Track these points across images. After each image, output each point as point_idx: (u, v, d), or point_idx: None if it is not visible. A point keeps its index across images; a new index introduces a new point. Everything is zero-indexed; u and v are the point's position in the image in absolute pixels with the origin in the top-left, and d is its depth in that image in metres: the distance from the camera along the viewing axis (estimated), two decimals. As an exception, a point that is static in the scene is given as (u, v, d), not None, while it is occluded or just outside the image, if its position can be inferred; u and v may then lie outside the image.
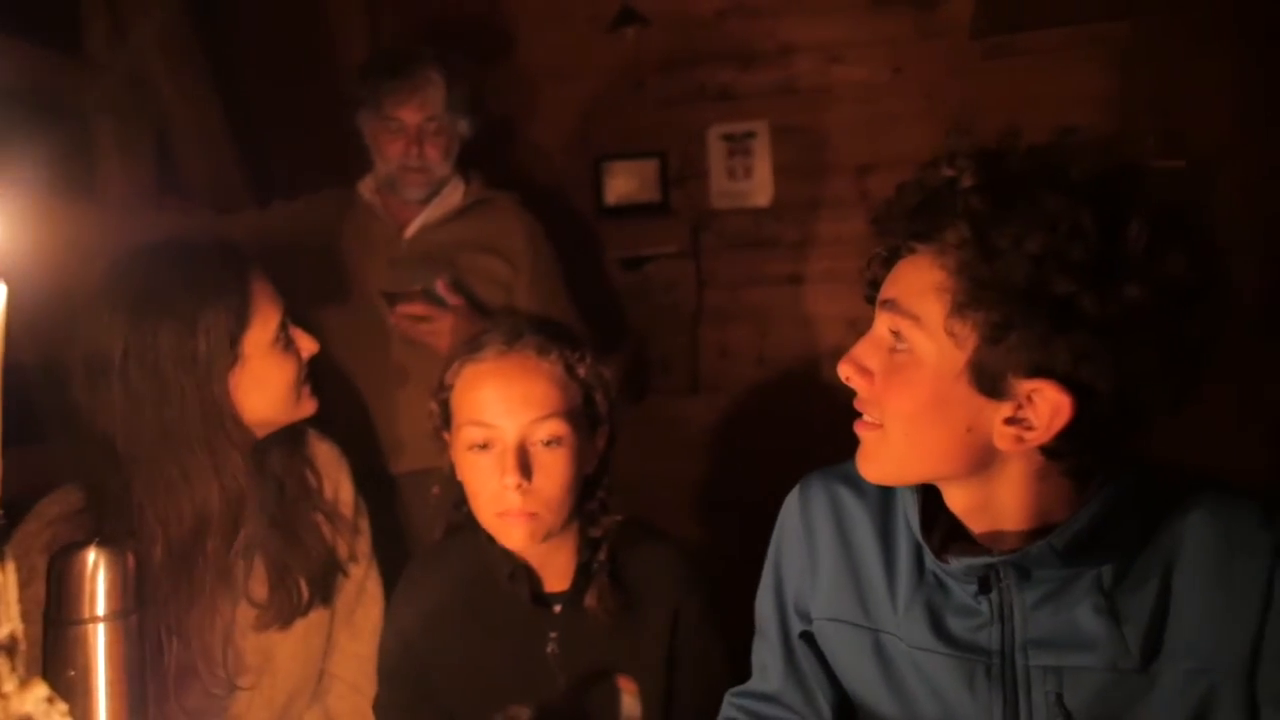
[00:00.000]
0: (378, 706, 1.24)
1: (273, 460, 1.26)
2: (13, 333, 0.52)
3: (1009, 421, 0.76)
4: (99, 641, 0.66)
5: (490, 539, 1.17)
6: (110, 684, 0.66)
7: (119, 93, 1.68)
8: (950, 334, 0.76)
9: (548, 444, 1.12)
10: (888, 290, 0.82)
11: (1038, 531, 0.80)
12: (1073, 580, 0.81)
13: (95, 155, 1.70)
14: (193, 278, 1.15)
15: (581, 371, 1.16)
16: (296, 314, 1.28)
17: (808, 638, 0.98)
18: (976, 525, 0.84)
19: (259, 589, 1.23)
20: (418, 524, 1.73)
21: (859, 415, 0.86)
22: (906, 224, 0.80)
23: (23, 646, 0.53)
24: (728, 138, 2.36)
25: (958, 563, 0.83)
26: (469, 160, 1.90)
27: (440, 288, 1.68)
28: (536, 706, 1.02)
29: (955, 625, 0.86)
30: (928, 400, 0.79)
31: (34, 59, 1.49)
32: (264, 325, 1.19)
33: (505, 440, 1.11)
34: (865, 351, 0.84)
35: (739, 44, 2.34)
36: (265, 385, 1.20)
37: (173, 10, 1.77)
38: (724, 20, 2.35)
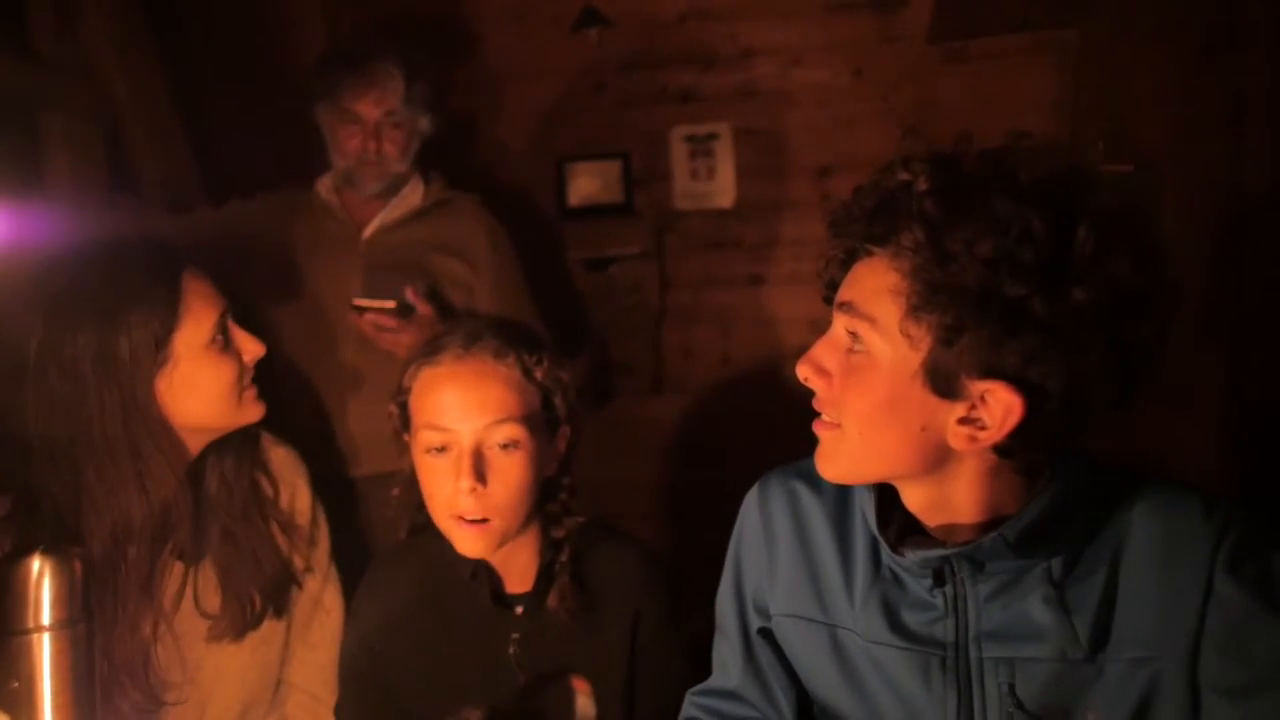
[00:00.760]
0: (339, 709, 1.23)
1: (225, 467, 1.23)
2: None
3: (962, 421, 0.78)
4: (44, 652, 0.65)
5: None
6: (56, 694, 0.64)
7: (68, 88, 1.64)
8: (905, 335, 0.77)
9: (504, 448, 1.11)
10: (845, 292, 0.83)
11: (990, 525, 0.82)
12: (1024, 573, 0.83)
13: (43, 153, 1.65)
14: (116, 276, 1.11)
15: (539, 374, 1.16)
16: (251, 314, 1.24)
17: (766, 634, 0.99)
18: (931, 520, 0.86)
19: (211, 600, 1.20)
20: (378, 527, 1.72)
21: (818, 415, 0.87)
22: (863, 227, 0.81)
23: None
24: (690, 139, 2.37)
25: (913, 555, 0.84)
26: (430, 160, 1.89)
27: (410, 294, 1.66)
28: (489, 708, 1.02)
29: (910, 619, 0.87)
30: (883, 401, 0.80)
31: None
32: (197, 325, 1.15)
33: (461, 444, 1.11)
34: (823, 352, 0.85)
35: (701, 46, 2.36)
36: (198, 388, 1.15)
37: (124, 4, 1.73)
38: (685, 23, 2.36)
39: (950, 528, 0.85)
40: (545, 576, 1.17)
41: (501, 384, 1.13)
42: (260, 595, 1.23)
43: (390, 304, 1.65)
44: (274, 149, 2.04)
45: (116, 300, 1.10)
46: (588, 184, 2.41)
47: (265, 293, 1.73)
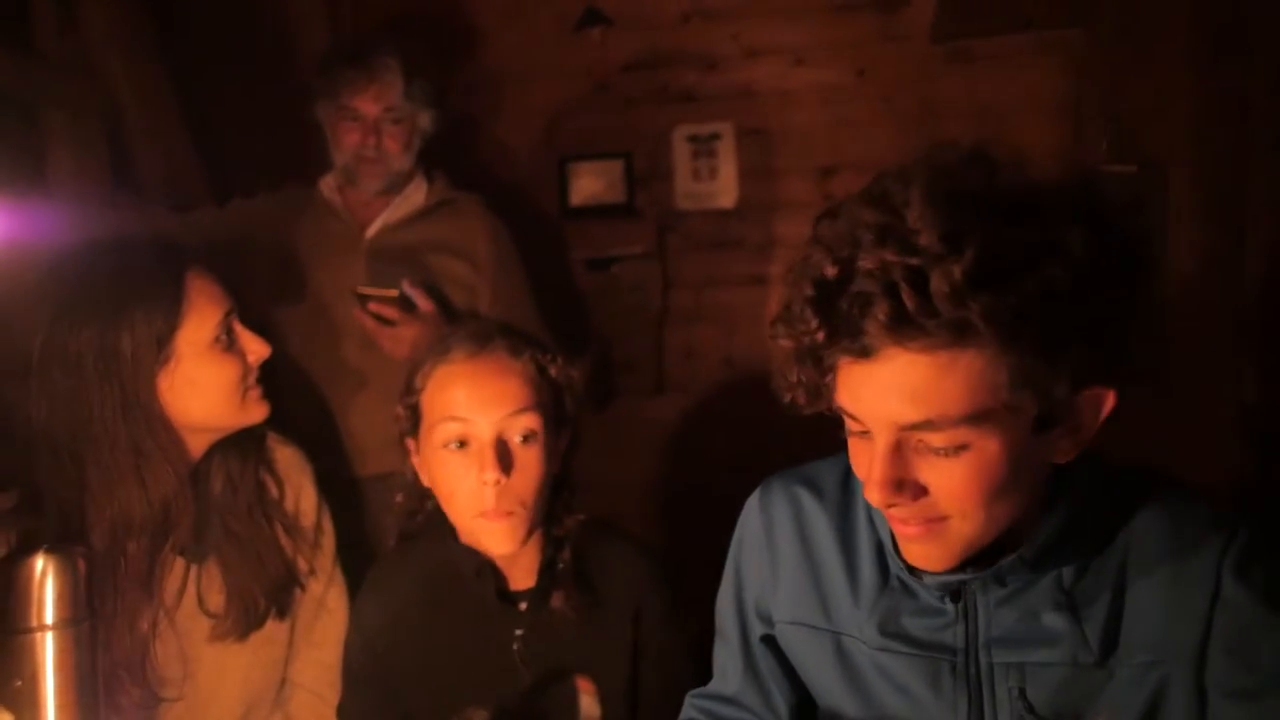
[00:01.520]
0: (342, 710, 1.22)
1: (230, 467, 1.23)
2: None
3: (1064, 435, 0.76)
4: (48, 650, 0.64)
5: (455, 536, 1.16)
6: (59, 693, 0.64)
7: (70, 86, 1.64)
8: (1012, 409, 0.72)
9: (524, 440, 1.12)
10: (904, 410, 0.72)
11: (1002, 537, 0.81)
12: (1035, 579, 0.82)
13: (46, 151, 1.65)
14: (120, 273, 1.12)
15: (553, 371, 1.17)
16: (252, 314, 1.24)
17: (769, 641, 0.98)
18: None
19: (215, 599, 1.21)
20: (382, 527, 1.72)
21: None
22: (886, 330, 0.69)
23: (-33, 657, 0.52)
24: (693, 139, 2.37)
25: (932, 579, 0.83)
26: (433, 160, 1.89)
27: (406, 286, 1.66)
28: (495, 708, 1.02)
29: (919, 625, 0.86)
30: (1006, 476, 0.74)
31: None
32: (200, 324, 1.15)
33: (482, 437, 1.10)
34: (896, 472, 0.74)
35: (703, 46, 2.36)
36: (200, 387, 1.15)
37: (129, 5, 1.73)
38: (688, 22, 2.36)
39: None
40: (547, 573, 1.17)
41: (518, 377, 1.13)
42: (264, 596, 1.23)
43: (393, 293, 1.65)
44: (276, 148, 2.04)
45: (120, 297, 1.10)
46: (590, 184, 2.41)
47: (268, 291, 1.73)
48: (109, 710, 1.11)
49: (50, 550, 0.67)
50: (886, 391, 0.72)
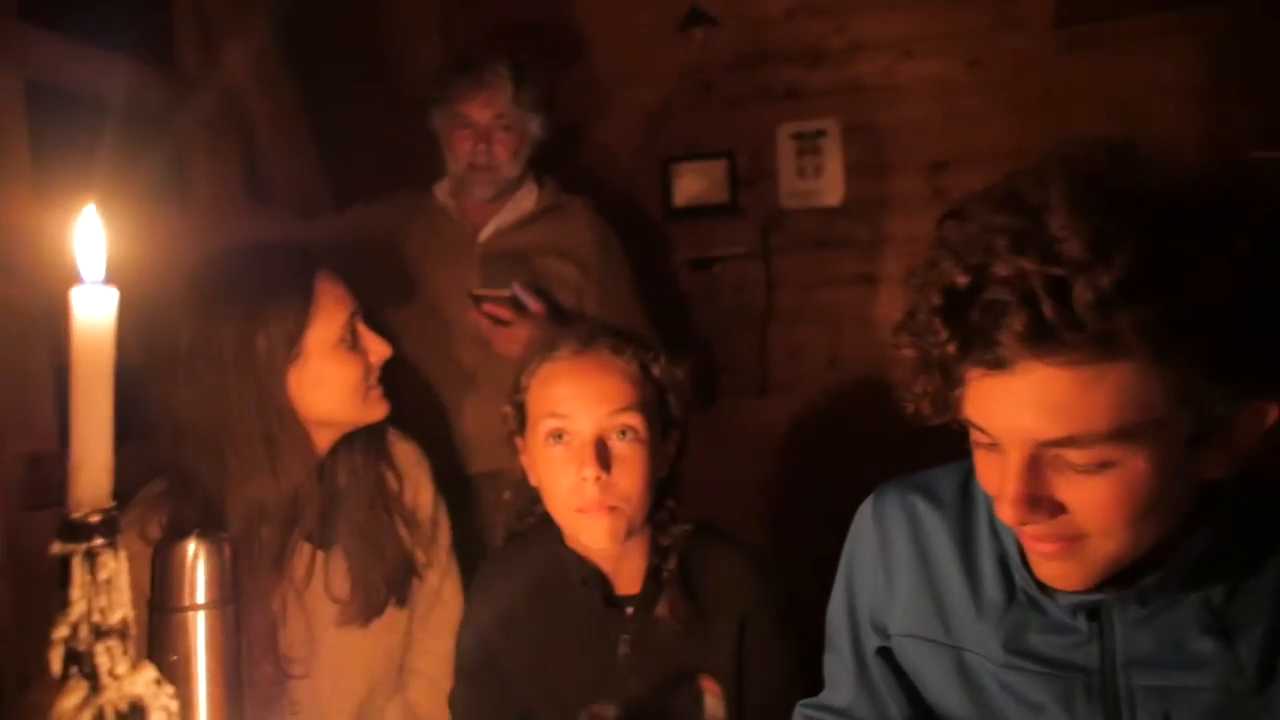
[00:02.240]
0: (453, 702, 1.26)
1: (354, 461, 1.29)
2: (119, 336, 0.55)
3: (1218, 450, 0.70)
4: (199, 628, 0.69)
5: (562, 541, 1.18)
6: (209, 669, 0.69)
7: (210, 105, 1.76)
8: (1166, 425, 0.66)
9: (624, 437, 1.12)
10: (1045, 426, 0.67)
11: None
12: (1178, 599, 0.77)
13: (188, 164, 1.78)
14: (256, 277, 1.19)
15: (656, 371, 1.17)
16: (371, 314, 1.30)
17: (884, 653, 0.94)
18: None
19: (340, 586, 1.27)
20: (491, 524, 1.77)
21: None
22: (1023, 342, 0.65)
23: (133, 631, 0.57)
24: (797, 136, 2.33)
25: (1066, 598, 0.78)
26: (542, 165, 1.93)
27: (517, 287, 1.70)
28: (622, 705, 1.03)
29: (1048, 643, 0.81)
30: (1154, 494, 0.69)
31: (133, 74, 1.57)
32: (327, 323, 1.21)
33: (582, 434, 1.12)
34: (1035, 488, 0.70)
35: (808, 42, 2.32)
36: (327, 384, 1.21)
37: (262, 29, 1.84)
38: (792, 18, 2.33)
39: None
40: (653, 580, 1.17)
41: (620, 375, 1.14)
42: (384, 584, 1.28)
43: (506, 293, 1.70)
44: (394, 156, 2.13)
45: (255, 299, 1.17)
46: (693, 184, 2.41)
47: (386, 293, 1.81)
48: (246, 686, 1.19)
49: (201, 535, 0.72)
50: (1023, 406, 0.67)
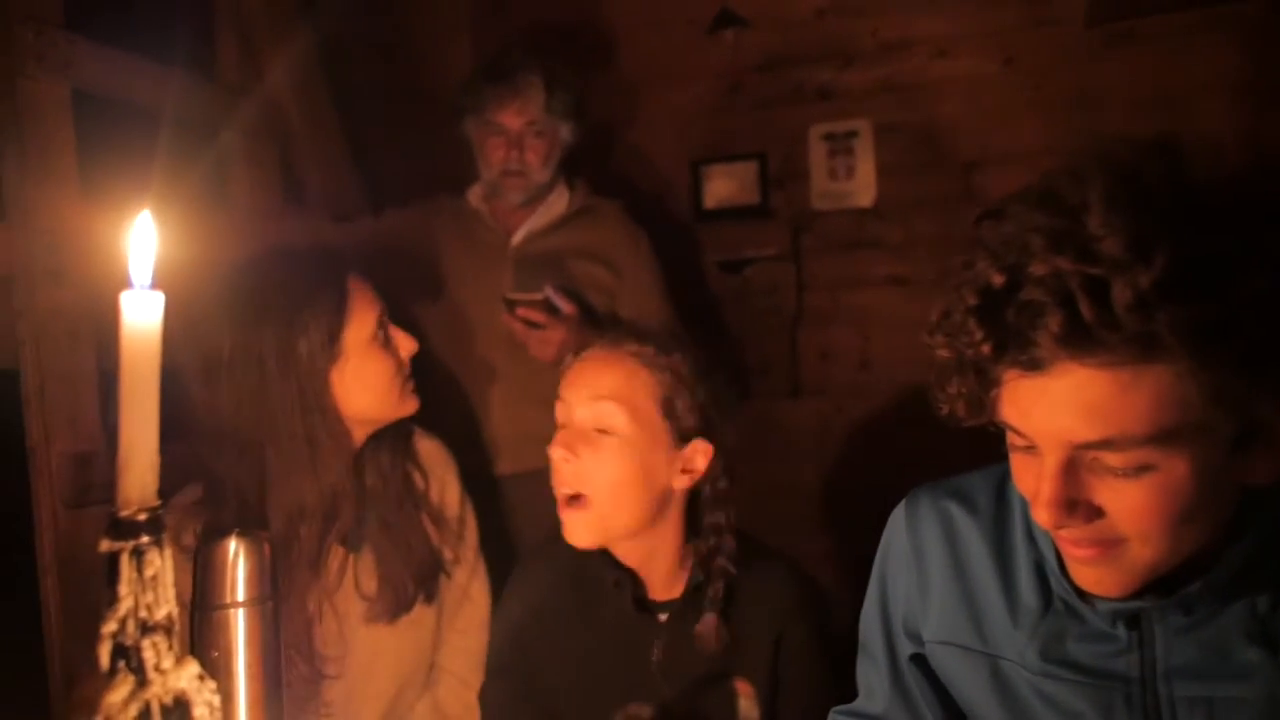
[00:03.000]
0: (484, 698, 1.27)
1: (381, 461, 1.31)
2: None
3: (1263, 455, 0.68)
4: (239, 625, 0.71)
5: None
6: (249, 665, 0.71)
7: (249, 113, 1.80)
8: (1206, 430, 0.65)
9: (600, 428, 1.12)
10: (1081, 428, 0.66)
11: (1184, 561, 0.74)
12: (1222, 607, 0.75)
13: (227, 171, 1.82)
14: (293, 280, 1.22)
15: (665, 369, 1.15)
16: (405, 316, 1.32)
17: (919, 660, 0.93)
18: None
19: (369, 583, 1.28)
20: (520, 525, 1.78)
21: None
22: (1059, 343, 0.64)
23: (178, 627, 0.58)
24: (829, 137, 2.32)
25: (1106, 606, 0.77)
26: (574, 168, 1.94)
27: (549, 290, 1.72)
28: (657, 706, 1.03)
29: (1086, 651, 0.80)
30: (1194, 501, 0.67)
31: (176, 83, 1.61)
32: (361, 323, 1.24)
33: (568, 419, 1.15)
34: (1069, 492, 0.69)
35: (840, 42, 2.31)
36: (366, 381, 1.24)
37: (299, 40, 1.88)
38: (823, 18, 2.32)
39: None
40: (694, 595, 1.16)
41: (615, 369, 1.14)
42: (413, 581, 1.30)
43: (539, 296, 1.71)
44: (428, 163, 2.15)
45: (294, 303, 1.20)
46: (724, 186, 2.40)
47: (420, 295, 1.83)
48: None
49: (241, 534, 0.73)
50: (1059, 408, 0.66)
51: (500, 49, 1.96)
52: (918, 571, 0.92)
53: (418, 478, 1.36)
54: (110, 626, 0.55)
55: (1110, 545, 0.71)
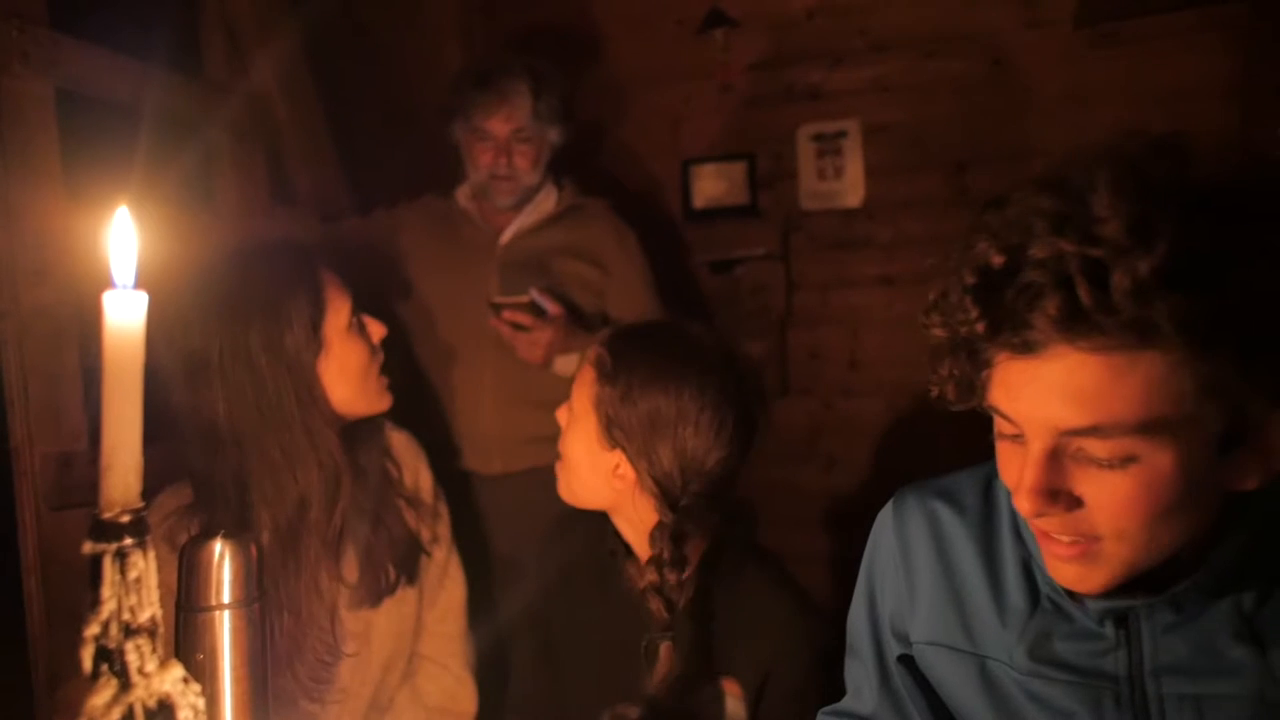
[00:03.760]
0: (516, 654, 1.32)
1: (356, 450, 1.32)
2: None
3: (1250, 458, 0.67)
4: (224, 627, 0.70)
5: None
6: (235, 667, 0.70)
7: (236, 112, 1.79)
8: (1193, 422, 0.64)
9: (564, 415, 1.20)
10: (1069, 414, 0.66)
11: (1169, 558, 0.74)
12: (1209, 605, 0.75)
13: (214, 170, 1.80)
14: (272, 275, 1.23)
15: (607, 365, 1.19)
16: (393, 316, 1.33)
17: (906, 661, 0.93)
18: None
19: (349, 570, 1.30)
20: (511, 524, 1.78)
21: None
22: (1055, 325, 0.64)
23: (162, 630, 0.57)
24: (818, 138, 2.33)
25: (1095, 604, 0.77)
26: (562, 167, 1.94)
27: (534, 293, 1.72)
28: (645, 703, 1.03)
29: (1074, 650, 0.80)
30: (1174, 499, 0.67)
31: (160, 82, 1.59)
32: (337, 312, 1.27)
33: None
34: (1051, 479, 0.68)
35: (829, 43, 2.32)
36: (347, 370, 1.27)
37: (286, 38, 1.86)
38: (813, 19, 2.33)
39: None
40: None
41: (588, 364, 1.18)
42: (394, 565, 1.32)
43: (525, 299, 1.71)
44: (416, 161, 2.14)
45: (276, 297, 1.21)
46: (713, 186, 2.41)
47: (407, 294, 1.82)
48: (288, 678, 1.22)
49: (227, 536, 0.73)
50: (1049, 392, 0.66)
51: (486, 52, 1.95)
52: (905, 572, 0.91)
53: (390, 467, 1.38)
54: (93, 629, 0.54)
55: (1088, 543, 0.71)
